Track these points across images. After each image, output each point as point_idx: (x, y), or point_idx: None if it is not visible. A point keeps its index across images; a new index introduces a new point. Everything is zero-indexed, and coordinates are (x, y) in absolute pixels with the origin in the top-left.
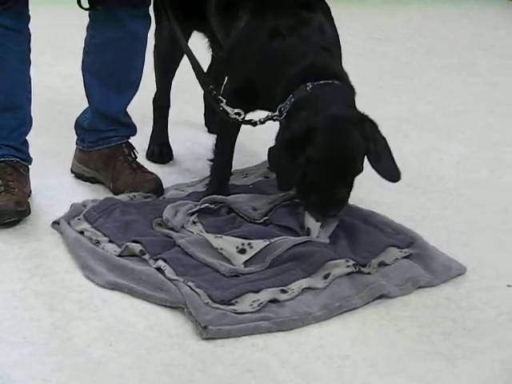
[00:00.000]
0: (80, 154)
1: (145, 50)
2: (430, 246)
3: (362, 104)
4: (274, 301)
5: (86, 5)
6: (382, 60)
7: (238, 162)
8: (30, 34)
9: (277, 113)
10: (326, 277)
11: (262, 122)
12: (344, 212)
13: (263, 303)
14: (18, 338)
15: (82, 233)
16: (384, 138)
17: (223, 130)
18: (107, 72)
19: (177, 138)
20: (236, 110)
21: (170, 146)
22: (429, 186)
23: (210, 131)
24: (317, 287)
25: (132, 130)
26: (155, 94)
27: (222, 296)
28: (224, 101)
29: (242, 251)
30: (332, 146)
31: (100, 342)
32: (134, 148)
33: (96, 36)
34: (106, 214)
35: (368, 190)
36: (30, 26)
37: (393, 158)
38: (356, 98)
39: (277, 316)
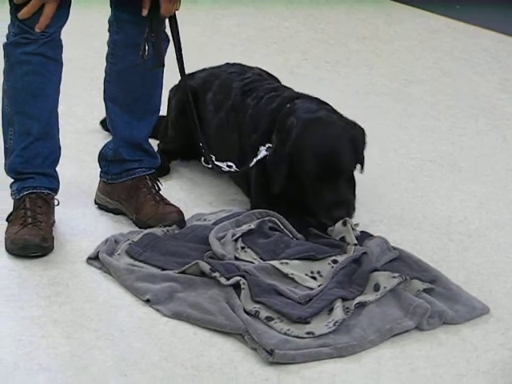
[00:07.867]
0: (104, 185)
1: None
2: (453, 286)
3: (387, 143)
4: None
5: None
6: (408, 100)
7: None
8: (62, 64)
9: None
10: (376, 288)
11: None
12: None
13: (338, 322)
14: (33, 364)
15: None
16: None
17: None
18: (130, 98)
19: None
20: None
21: (169, 167)
22: (450, 226)
23: None
24: (369, 300)
25: (155, 159)
26: (161, 143)
27: (299, 314)
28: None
29: (313, 278)
30: None
31: (115, 371)
32: (157, 180)
33: (117, 63)
34: (150, 248)
35: (389, 229)
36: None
37: None
38: (381, 137)
39: (336, 342)
